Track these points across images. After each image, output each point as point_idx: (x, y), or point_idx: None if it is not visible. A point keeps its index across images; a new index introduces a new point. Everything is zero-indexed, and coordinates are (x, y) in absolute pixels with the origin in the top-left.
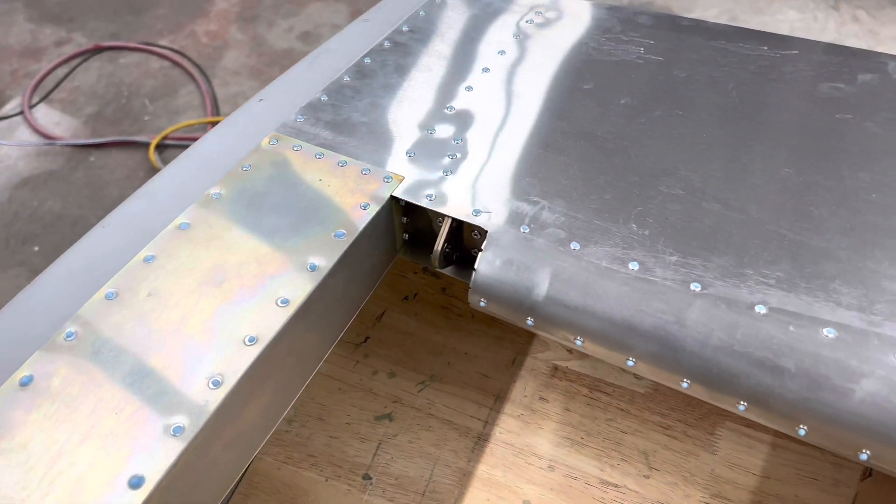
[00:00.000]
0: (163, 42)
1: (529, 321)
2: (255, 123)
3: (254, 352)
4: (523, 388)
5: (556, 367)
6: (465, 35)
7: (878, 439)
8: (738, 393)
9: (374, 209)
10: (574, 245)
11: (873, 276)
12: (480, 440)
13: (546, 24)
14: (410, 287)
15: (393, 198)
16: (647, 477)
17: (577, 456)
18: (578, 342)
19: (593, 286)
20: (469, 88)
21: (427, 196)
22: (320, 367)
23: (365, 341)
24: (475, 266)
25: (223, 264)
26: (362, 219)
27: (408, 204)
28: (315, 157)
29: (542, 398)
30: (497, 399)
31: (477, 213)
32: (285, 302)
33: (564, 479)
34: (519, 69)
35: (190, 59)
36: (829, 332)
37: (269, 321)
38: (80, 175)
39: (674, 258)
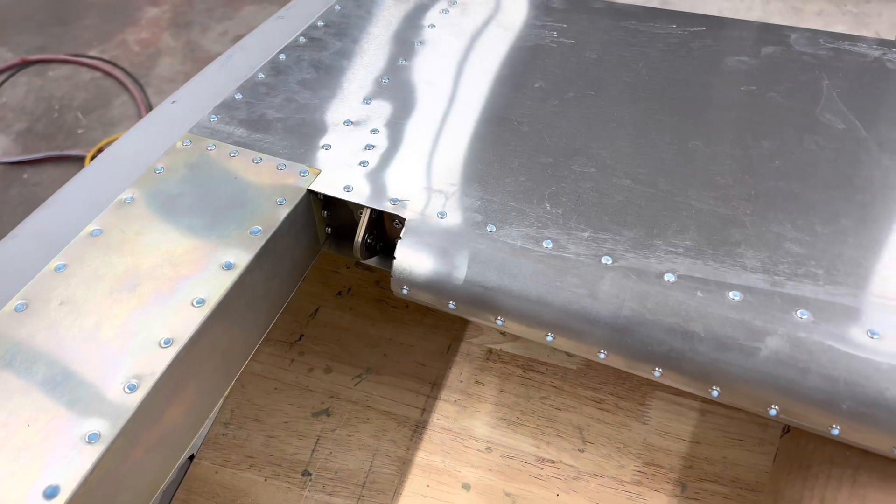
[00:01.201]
0: (93, 53)
1: (451, 305)
2: (169, 125)
3: (170, 353)
4: (459, 374)
5: (490, 351)
6: (380, 27)
7: (784, 394)
8: (652, 360)
9: (290, 204)
10: (490, 227)
11: (777, 238)
12: (419, 428)
13: (461, 12)
14: (344, 282)
15: (310, 192)
16: (582, 451)
17: (513, 435)
18: (499, 321)
19: (509, 266)
20: (385, 79)
21: (345, 188)
22: (254, 368)
23: (299, 339)
24: (394, 254)
25: (137, 269)
26: (278, 214)
27: (326, 197)
28: (230, 155)
29: (477, 382)
30: (434, 386)
31: (395, 201)
32: (201, 302)
33: (502, 459)
34: (434, 58)
35: (122, 69)
36: (734, 295)
37: (185, 322)
38: (14, 193)
39: (586, 234)
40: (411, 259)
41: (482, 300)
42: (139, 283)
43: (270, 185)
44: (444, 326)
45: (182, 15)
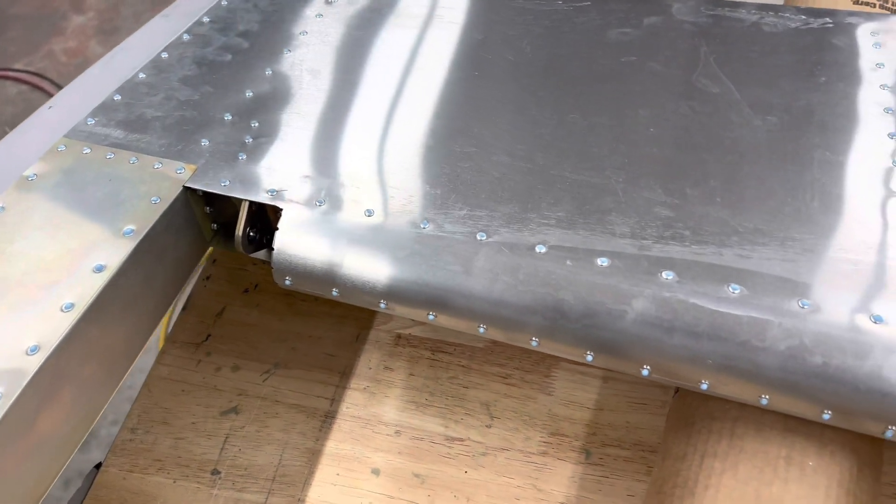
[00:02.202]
0: (18, 65)
1: (335, 292)
2: (45, 131)
3: (35, 361)
4: (368, 361)
5: (399, 336)
6: (267, 20)
7: (652, 353)
8: (528, 330)
9: (165, 202)
10: (368, 212)
11: (647, 203)
12: (328, 418)
13: (348, 1)
14: (251, 279)
15: (187, 188)
16: (490, 427)
17: (422, 417)
18: (382, 305)
19: (387, 250)
20: (268, 71)
21: (222, 182)
22: (161, 372)
23: (206, 339)
24: (273, 245)
25: (6, 277)
26: (153, 213)
27: (206, 193)
28: (106, 158)
29: (386, 368)
30: (343, 376)
31: (273, 192)
32: (70, 307)
33: (411, 442)
34: (319, 47)
35: (50, 81)
36: (602, 262)
37: (53, 328)
38: None
39: (462, 212)
40: (290, 249)
41: (363, 285)
42: (7, 291)
43: (146, 184)
44: (352, 316)
45: (108, 21)
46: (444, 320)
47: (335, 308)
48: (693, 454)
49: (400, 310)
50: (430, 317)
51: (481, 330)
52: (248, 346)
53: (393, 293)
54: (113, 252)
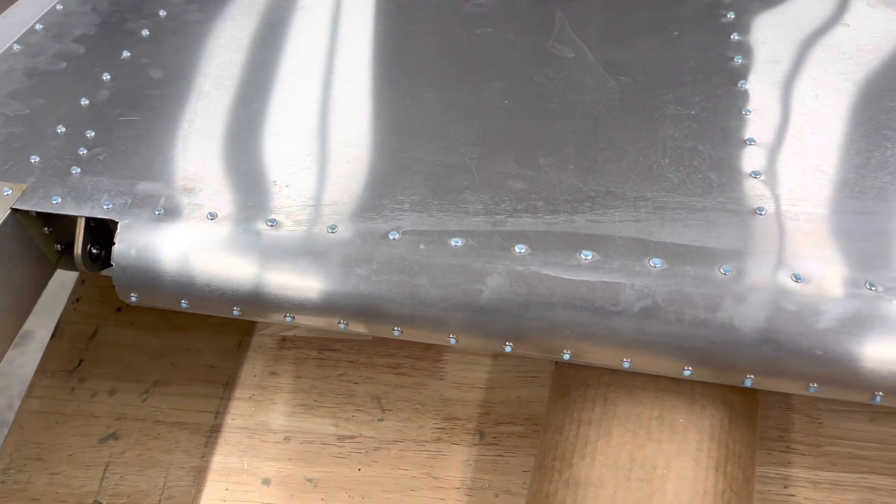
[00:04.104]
0: None
1: (184, 304)
2: None
3: None
4: (252, 369)
5: (283, 339)
6: (106, 22)
7: (510, 329)
8: (387, 320)
9: None
10: (211, 217)
11: (501, 178)
12: (213, 433)
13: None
14: None
15: (19, 210)
16: (382, 420)
17: (311, 420)
18: (236, 312)
19: (234, 254)
20: (106, 77)
21: (54, 199)
22: (32, 406)
23: (79, 365)
24: (111, 261)
25: None
26: None
27: (40, 213)
28: None
29: (272, 373)
30: (226, 387)
31: (109, 205)
32: None
33: (301, 446)
34: (163, 48)
35: None
36: (456, 242)
37: None
38: None
39: (310, 207)
40: (129, 263)
41: (213, 294)
42: None
43: None
44: (233, 323)
45: None
46: (303, 320)
47: (215, 317)
48: (570, 424)
49: (255, 315)
50: (288, 318)
51: (342, 326)
52: (124, 368)
53: (244, 299)
54: None
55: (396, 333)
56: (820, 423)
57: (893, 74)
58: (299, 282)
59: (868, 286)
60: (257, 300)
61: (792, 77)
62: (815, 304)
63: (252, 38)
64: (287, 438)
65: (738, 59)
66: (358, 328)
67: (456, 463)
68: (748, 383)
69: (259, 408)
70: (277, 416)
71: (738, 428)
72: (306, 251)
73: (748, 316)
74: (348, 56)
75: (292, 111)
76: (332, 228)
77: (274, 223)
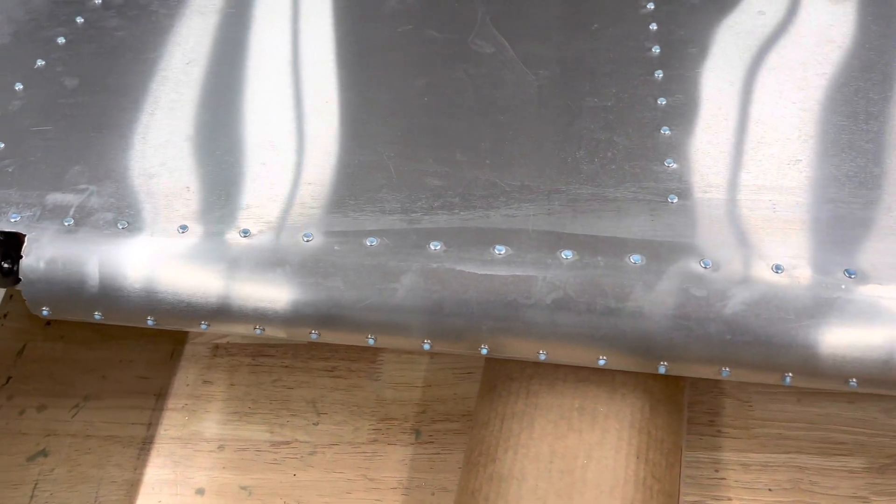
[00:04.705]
0: None
1: (97, 315)
2: None
3: None
4: (185, 378)
5: (216, 346)
6: (20, 31)
7: (428, 327)
8: (305, 323)
9: None
10: (122, 224)
11: (418, 175)
12: (146, 444)
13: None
14: None
15: None
16: (317, 424)
17: (245, 427)
18: (150, 322)
19: (145, 262)
20: (18, 87)
21: None
22: None
23: (7, 382)
24: (20, 275)
25: None
26: None
27: None
28: None
29: (205, 382)
30: (158, 398)
31: (16, 218)
32: None
33: (235, 454)
34: (85, 54)
35: None
36: (371, 241)
37: None
38: None
39: (224, 211)
40: (39, 276)
41: (126, 303)
42: None
43: None
44: (165, 333)
45: None
46: (219, 327)
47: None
48: (495, 419)
49: (170, 324)
50: (203, 326)
51: (258, 331)
52: (54, 383)
53: (157, 307)
54: None
55: (314, 336)
56: (750, 406)
57: (807, 61)
58: (212, 289)
59: (775, 269)
60: (169, 309)
61: (708, 65)
62: (723, 289)
63: (168, 44)
64: (221, 447)
65: (656, 50)
66: (276, 333)
67: (392, 463)
68: (662, 370)
69: (192, 417)
70: (211, 424)
71: (659, 415)
72: (219, 257)
73: (658, 303)
74: (265, 57)
75: (205, 117)
76: (245, 233)
77: (184, 230)
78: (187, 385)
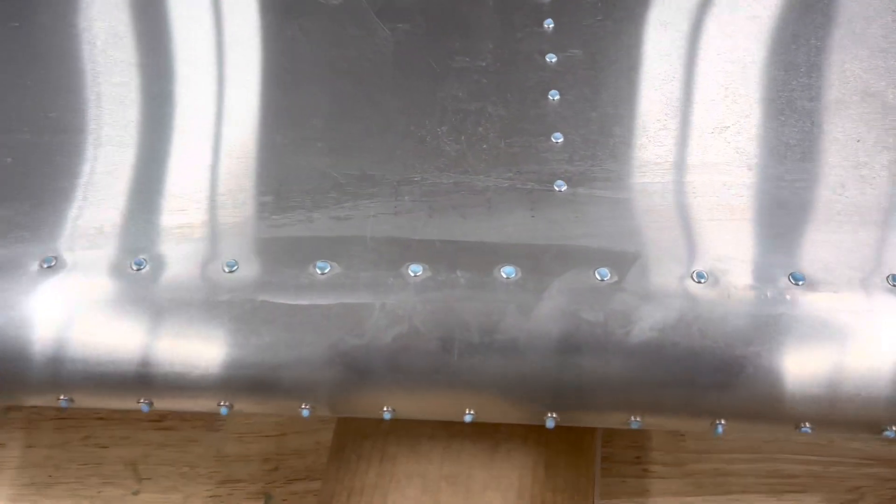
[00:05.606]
0: None
1: None
2: None
3: None
4: None
5: None
6: None
7: (221, 381)
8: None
9: None
10: None
11: (217, 167)
12: None
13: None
14: None
15: None
16: (137, 493)
17: (43, 503)
18: None
19: None
20: None
21: None
22: None
23: None
24: None
25: None
26: None
27: None
28: None
29: None
30: None
31: None
32: None
33: None
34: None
35: None
36: (139, 265)
37: None
38: None
39: (27, 234)
40: None
41: None
42: None
43: None
44: None
45: None
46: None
47: None
48: (341, 493)
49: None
50: None
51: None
52: None
53: None
54: None
55: (62, 404)
56: (681, 436)
57: (736, 1)
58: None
59: (696, 278)
60: None
61: (605, 14)
62: (626, 309)
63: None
64: None
65: None
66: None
67: None
68: (550, 423)
69: None
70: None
71: (559, 472)
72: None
73: (538, 334)
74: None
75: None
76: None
77: (53, 263)
78: None
